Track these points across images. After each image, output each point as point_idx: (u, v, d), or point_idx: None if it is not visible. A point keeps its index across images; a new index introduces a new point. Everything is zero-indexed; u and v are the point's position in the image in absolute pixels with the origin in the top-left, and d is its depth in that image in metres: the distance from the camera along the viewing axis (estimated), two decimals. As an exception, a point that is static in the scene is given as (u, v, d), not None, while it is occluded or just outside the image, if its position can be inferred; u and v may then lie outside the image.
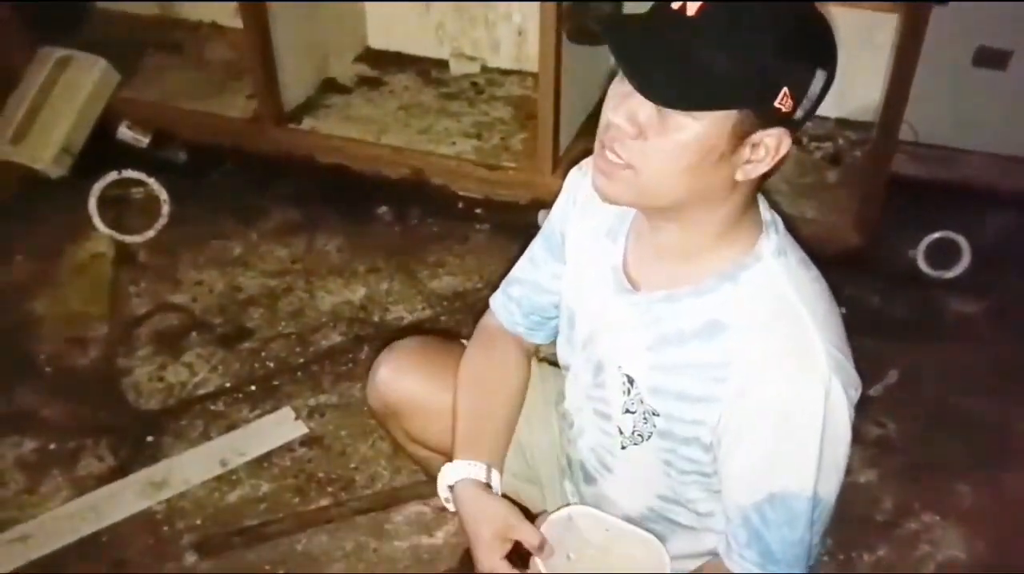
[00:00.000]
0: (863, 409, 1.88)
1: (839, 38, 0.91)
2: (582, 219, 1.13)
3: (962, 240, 2.27)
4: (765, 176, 0.95)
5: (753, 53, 0.85)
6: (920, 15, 1.98)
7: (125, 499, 1.72)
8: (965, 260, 2.27)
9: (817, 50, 0.89)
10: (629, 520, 1.16)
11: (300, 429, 1.86)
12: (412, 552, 1.66)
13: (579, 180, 1.14)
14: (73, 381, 1.98)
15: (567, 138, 2.41)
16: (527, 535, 1.07)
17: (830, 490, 0.99)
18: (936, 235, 2.28)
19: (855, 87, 2.42)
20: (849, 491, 1.74)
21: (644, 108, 0.88)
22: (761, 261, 0.97)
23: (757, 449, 0.96)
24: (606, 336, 1.09)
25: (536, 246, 1.22)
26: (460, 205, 2.49)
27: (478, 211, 2.47)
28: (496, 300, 1.27)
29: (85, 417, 1.89)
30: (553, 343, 1.24)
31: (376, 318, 2.15)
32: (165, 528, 1.69)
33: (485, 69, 2.84)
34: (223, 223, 2.43)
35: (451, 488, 1.16)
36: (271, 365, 2.02)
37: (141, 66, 2.88)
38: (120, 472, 1.78)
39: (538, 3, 2.21)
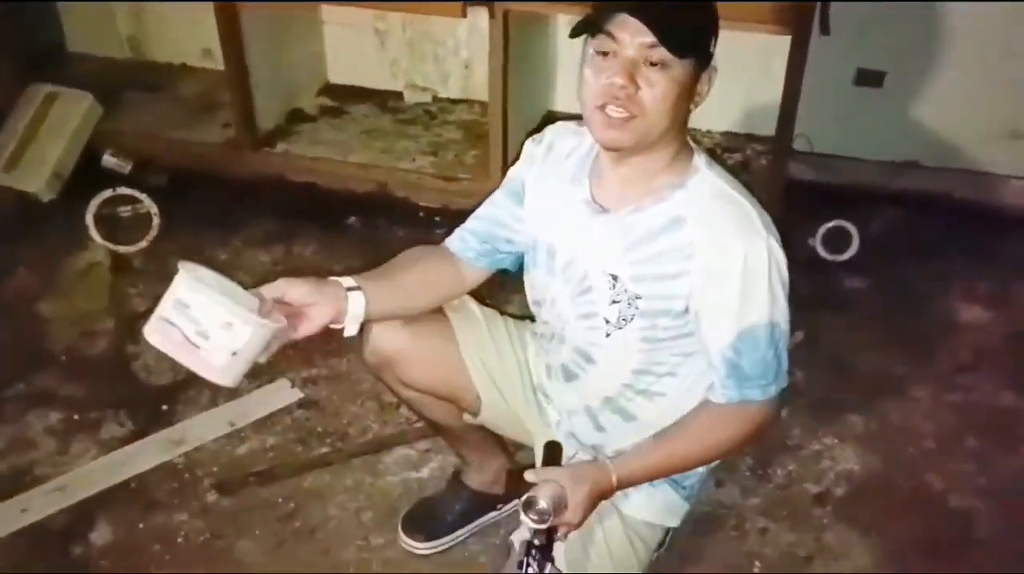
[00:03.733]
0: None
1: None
2: (543, 176, 1.47)
3: (852, 228, 2.69)
4: None
5: (704, 13, 1.25)
6: (802, 40, 2.41)
7: (148, 454, 1.98)
8: (855, 245, 2.69)
9: (715, 9, 1.28)
10: (607, 401, 1.46)
11: (296, 394, 2.14)
12: (403, 485, 1.94)
13: (535, 148, 1.48)
14: (88, 366, 2.23)
15: (513, 151, 2.76)
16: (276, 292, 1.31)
17: (781, 317, 1.32)
18: (831, 224, 2.69)
19: (760, 106, 2.85)
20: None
21: (636, 68, 1.22)
22: (700, 171, 1.34)
23: (727, 300, 1.28)
24: (588, 252, 1.38)
25: (497, 194, 1.52)
26: (421, 214, 2.83)
27: (437, 219, 2.81)
28: (451, 238, 1.56)
29: (103, 393, 2.14)
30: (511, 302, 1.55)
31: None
32: (187, 475, 1.94)
33: (436, 99, 3.20)
34: (209, 235, 2.71)
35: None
36: (266, 346, 2.29)
37: (120, 102, 3.16)
38: (140, 435, 2.03)
39: (486, 39, 2.58)
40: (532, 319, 1.61)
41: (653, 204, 1.33)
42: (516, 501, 1.59)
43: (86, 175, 2.89)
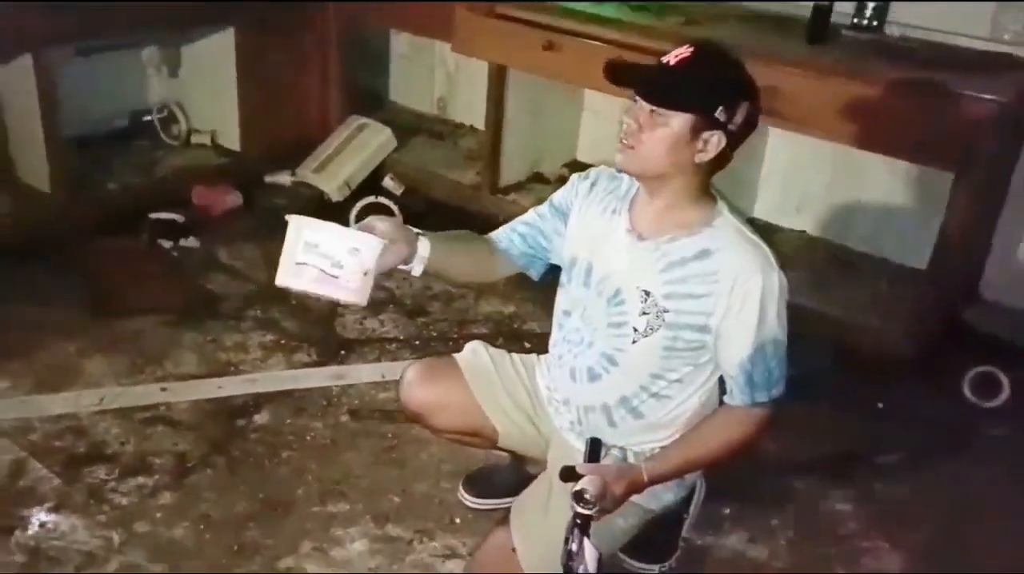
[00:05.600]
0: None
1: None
2: (587, 206, 1.75)
3: (1003, 376, 2.67)
4: (716, 165, 1.62)
5: (702, 85, 1.54)
6: (968, 181, 2.49)
7: (316, 378, 2.59)
8: (1005, 393, 2.66)
9: (740, 89, 1.57)
10: (623, 400, 1.74)
11: (438, 371, 2.64)
12: (485, 455, 2.31)
13: (582, 182, 1.78)
14: (307, 312, 2.91)
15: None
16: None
17: (783, 334, 1.63)
18: (981, 368, 2.69)
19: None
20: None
21: (641, 113, 1.58)
22: (723, 214, 1.64)
23: (748, 320, 1.58)
24: (624, 271, 1.66)
25: (544, 210, 1.83)
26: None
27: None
28: (499, 235, 1.87)
29: (308, 332, 2.81)
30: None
31: (515, 326, 2.93)
32: (335, 399, 2.52)
33: (656, 186, 3.62)
34: (433, 248, 3.33)
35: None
36: (434, 334, 2.85)
37: (411, 143, 3.98)
38: (319, 365, 2.66)
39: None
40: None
41: (686, 236, 1.63)
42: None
43: (369, 188, 3.69)
